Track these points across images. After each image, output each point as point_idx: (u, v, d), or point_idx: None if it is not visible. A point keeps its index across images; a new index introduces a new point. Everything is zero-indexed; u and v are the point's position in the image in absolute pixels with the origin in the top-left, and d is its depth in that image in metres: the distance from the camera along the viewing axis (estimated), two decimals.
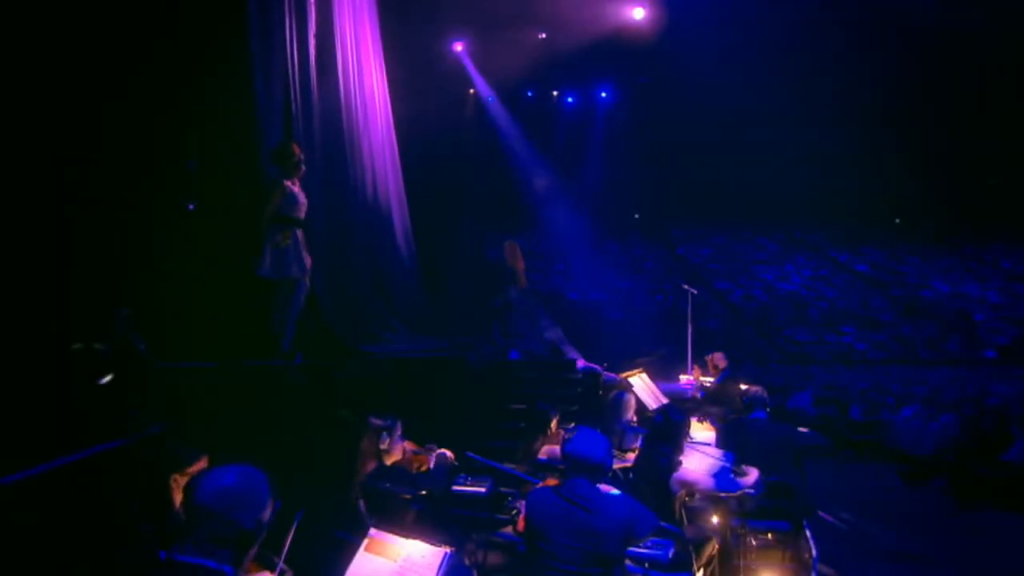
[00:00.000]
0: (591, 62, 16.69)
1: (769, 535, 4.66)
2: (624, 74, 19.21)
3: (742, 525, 4.29)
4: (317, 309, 6.22)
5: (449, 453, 3.88)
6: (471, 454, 3.77)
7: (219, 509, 1.79)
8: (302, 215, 5.74)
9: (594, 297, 20.12)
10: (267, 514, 1.87)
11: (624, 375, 6.89)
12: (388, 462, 3.58)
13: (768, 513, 4.49)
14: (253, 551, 1.88)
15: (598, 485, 2.87)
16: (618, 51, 15.23)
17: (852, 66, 19.84)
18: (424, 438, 4.13)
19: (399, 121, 11.00)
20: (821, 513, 6.24)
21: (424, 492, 3.31)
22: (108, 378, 3.29)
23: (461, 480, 3.94)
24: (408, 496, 3.26)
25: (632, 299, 20.69)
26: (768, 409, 5.05)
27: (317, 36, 7.58)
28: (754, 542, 4.49)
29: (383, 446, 3.55)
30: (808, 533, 4.77)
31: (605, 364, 8.31)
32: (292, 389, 4.50)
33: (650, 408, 6.30)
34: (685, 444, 3.98)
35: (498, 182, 19.89)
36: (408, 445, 3.80)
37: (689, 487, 3.86)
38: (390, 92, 10.65)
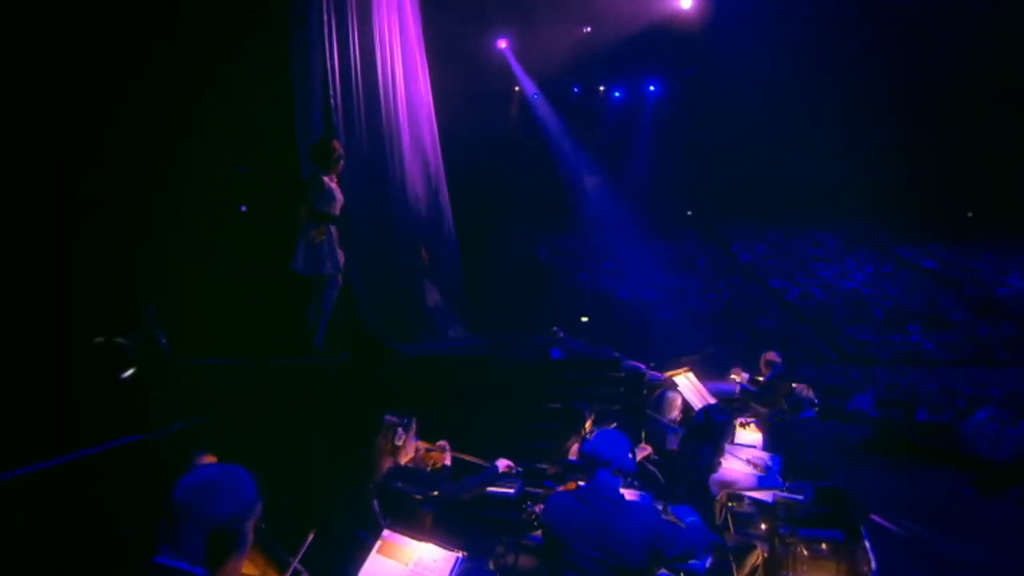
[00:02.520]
0: (638, 56, 16.38)
1: (823, 545, 4.34)
2: (672, 67, 18.79)
3: (791, 533, 4.00)
4: (352, 306, 6.18)
5: (506, 463, 3.72)
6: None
7: (192, 504, 1.68)
8: (337, 212, 5.72)
9: (645, 296, 19.74)
10: (248, 513, 1.76)
11: (669, 374, 6.63)
12: (402, 460, 3.48)
13: (819, 520, 4.18)
14: (236, 555, 1.74)
15: (623, 491, 2.66)
16: (665, 43, 14.89)
17: (915, 54, 18.86)
18: (453, 438, 4.01)
19: (445, 120, 10.94)
20: (883, 521, 5.84)
21: (436, 493, 3.16)
22: (130, 372, 3.28)
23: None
24: (419, 497, 3.13)
25: (684, 298, 20.21)
26: (816, 408, 4.73)
27: (358, 33, 7.58)
28: (805, 552, 4.18)
29: (398, 443, 3.45)
30: (867, 543, 4.44)
31: (652, 364, 8.03)
32: (317, 387, 4.44)
33: (696, 408, 6.05)
34: (726, 446, 3.72)
35: (546, 180, 19.73)
36: (420, 444, 3.69)
37: (728, 487, 3.59)
38: (435, 91, 10.61)
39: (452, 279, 9.91)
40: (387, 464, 3.39)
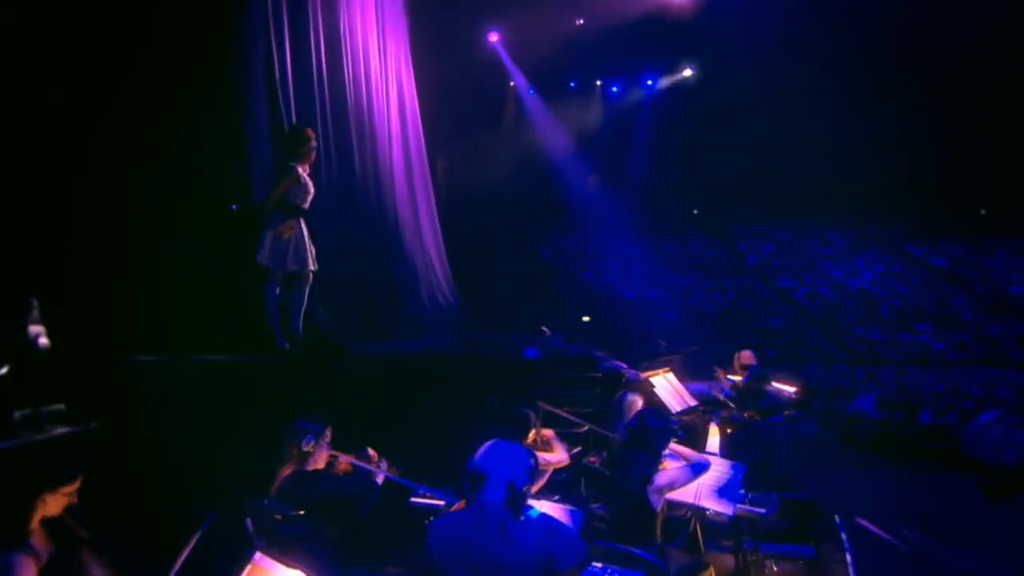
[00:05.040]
0: (634, 48, 16.02)
1: (801, 562, 3.95)
2: (670, 60, 18.40)
3: (754, 549, 3.62)
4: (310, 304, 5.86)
5: (373, 453, 3.44)
6: (392, 476, 3.30)
7: None
8: (307, 205, 5.42)
9: (650, 295, 19.39)
10: None
11: (647, 374, 6.25)
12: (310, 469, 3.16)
13: (788, 534, 3.79)
14: None
15: (526, 505, 2.29)
16: (661, 35, 14.52)
17: (928, 44, 18.31)
18: (384, 442, 3.69)
19: (444, 118, 10.64)
20: (877, 530, 5.43)
21: (303, 512, 2.81)
22: (2, 372, 2.98)
23: (421, 491, 3.46)
24: (278, 516, 2.78)
25: (689, 297, 19.83)
26: (787, 412, 4.35)
27: (324, 31, 7.31)
28: (775, 568, 3.80)
29: (306, 448, 3.13)
30: (848, 557, 4.04)
31: (646, 363, 7.66)
32: (235, 388, 4.13)
33: (673, 411, 5.67)
34: (664, 454, 3.33)
35: (548, 178, 19.44)
36: (347, 456, 3.36)
37: (666, 490, 3.21)
38: (427, 89, 10.29)
39: (439, 277, 9.62)
40: (288, 471, 3.08)
